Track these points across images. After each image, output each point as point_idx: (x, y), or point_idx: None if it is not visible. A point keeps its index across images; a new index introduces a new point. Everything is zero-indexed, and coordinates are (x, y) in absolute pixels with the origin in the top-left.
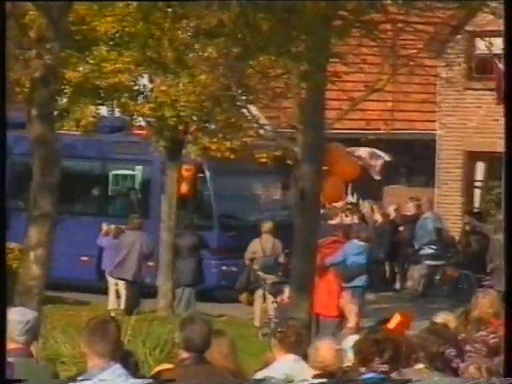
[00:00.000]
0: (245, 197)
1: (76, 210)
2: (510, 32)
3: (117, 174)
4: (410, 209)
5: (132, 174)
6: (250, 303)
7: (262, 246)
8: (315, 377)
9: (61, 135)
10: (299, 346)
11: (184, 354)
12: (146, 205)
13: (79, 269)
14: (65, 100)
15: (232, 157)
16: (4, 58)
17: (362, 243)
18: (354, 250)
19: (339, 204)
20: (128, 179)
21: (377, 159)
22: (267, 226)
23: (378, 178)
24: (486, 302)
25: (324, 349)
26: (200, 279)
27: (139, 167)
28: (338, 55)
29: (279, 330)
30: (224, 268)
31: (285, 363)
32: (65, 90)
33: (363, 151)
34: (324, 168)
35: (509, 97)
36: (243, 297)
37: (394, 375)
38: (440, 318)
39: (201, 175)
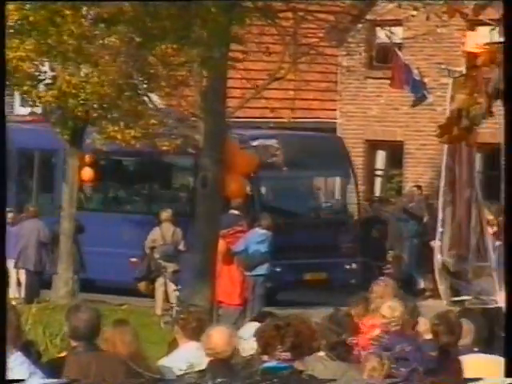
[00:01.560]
0: (299, 192)
1: None
2: (510, 32)
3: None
4: None
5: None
6: (150, 292)
7: (163, 234)
8: (209, 364)
9: None
10: (201, 333)
11: (74, 343)
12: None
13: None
14: None
15: (137, 145)
16: (4, 57)
17: (263, 231)
18: (256, 239)
19: None
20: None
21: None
22: (166, 214)
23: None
24: (379, 291)
25: (216, 335)
26: (81, 267)
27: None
28: (238, 40)
29: (181, 317)
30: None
31: (187, 351)
32: None
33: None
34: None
35: (509, 97)
36: (142, 285)
37: (296, 364)
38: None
39: None
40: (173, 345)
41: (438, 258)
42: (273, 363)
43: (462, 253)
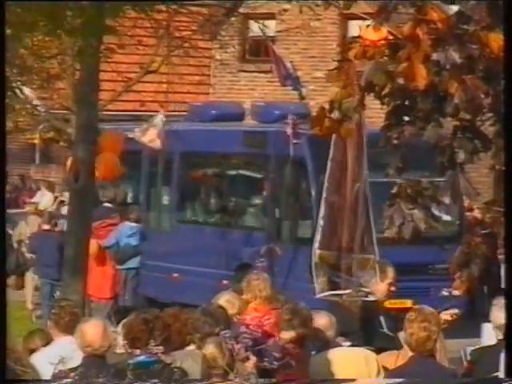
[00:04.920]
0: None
1: None
2: (509, 30)
3: None
4: None
5: None
6: (20, 287)
7: (29, 227)
8: (83, 359)
9: None
10: (74, 327)
11: None
12: None
13: None
14: None
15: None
16: (4, 58)
17: (134, 224)
18: (126, 232)
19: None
20: None
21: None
22: (30, 207)
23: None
24: (253, 285)
25: (90, 331)
26: None
27: None
28: (112, 31)
29: (53, 312)
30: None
31: (60, 345)
32: None
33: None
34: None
35: (508, 99)
36: (11, 280)
37: (164, 357)
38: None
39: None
40: (35, 336)
41: (315, 251)
42: (141, 358)
43: (344, 246)
